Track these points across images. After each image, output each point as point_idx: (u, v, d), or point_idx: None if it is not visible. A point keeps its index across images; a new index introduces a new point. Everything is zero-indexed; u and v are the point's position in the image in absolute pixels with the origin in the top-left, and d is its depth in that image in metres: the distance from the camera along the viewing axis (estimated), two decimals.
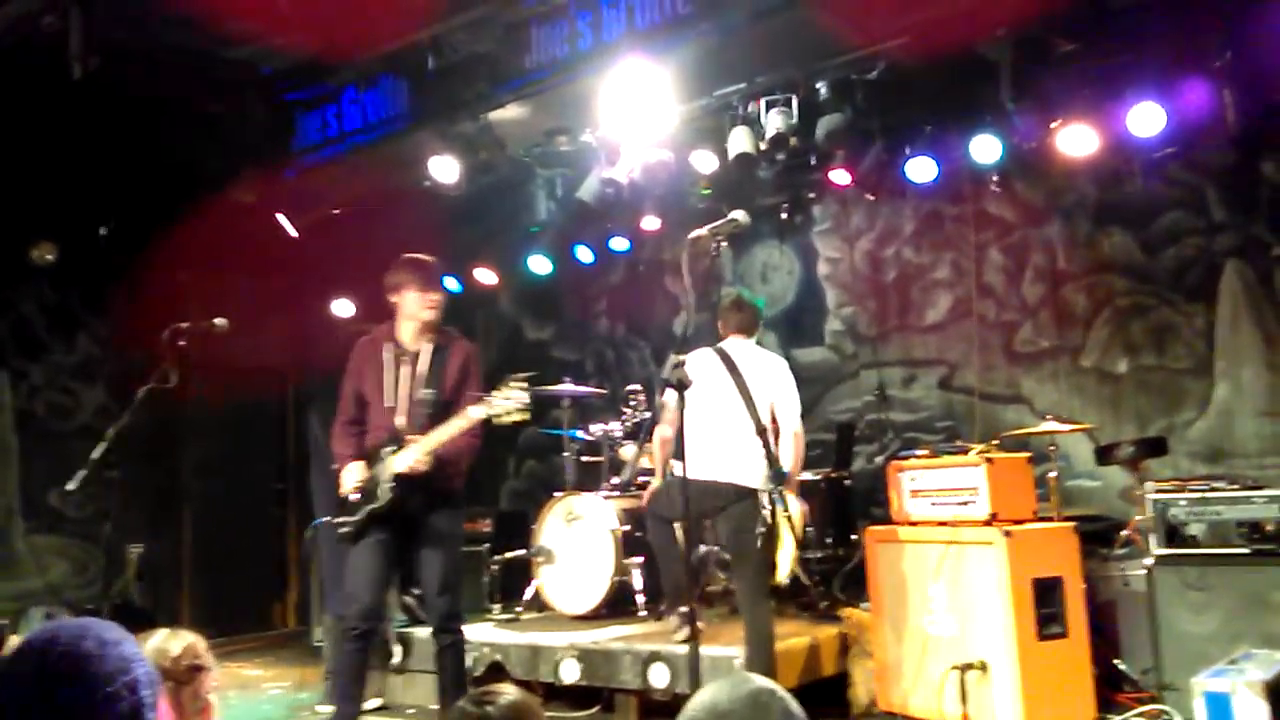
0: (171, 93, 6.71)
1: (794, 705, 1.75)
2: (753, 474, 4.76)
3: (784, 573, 5.92)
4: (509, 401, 4.16)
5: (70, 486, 4.69)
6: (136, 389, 4.79)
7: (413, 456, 4.33)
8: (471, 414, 4.25)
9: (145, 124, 6.75)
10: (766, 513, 4.70)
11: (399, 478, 4.36)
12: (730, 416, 4.77)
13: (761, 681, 1.81)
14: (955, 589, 4.82)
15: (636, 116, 6.25)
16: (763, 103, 6.51)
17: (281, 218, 7.68)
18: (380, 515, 4.41)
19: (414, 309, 4.55)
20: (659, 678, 4.94)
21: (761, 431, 4.78)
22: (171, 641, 2.44)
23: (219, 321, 4.97)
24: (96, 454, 4.67)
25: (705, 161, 7.00)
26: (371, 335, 4.67)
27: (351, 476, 4.47)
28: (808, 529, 5.81)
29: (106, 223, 7.73)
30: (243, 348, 6.03)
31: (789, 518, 5.52)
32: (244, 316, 5.61)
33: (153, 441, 7.00)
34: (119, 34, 5.93)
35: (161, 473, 8.13)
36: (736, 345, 5.02)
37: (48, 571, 7.73)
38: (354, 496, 4.45)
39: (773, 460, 4.77)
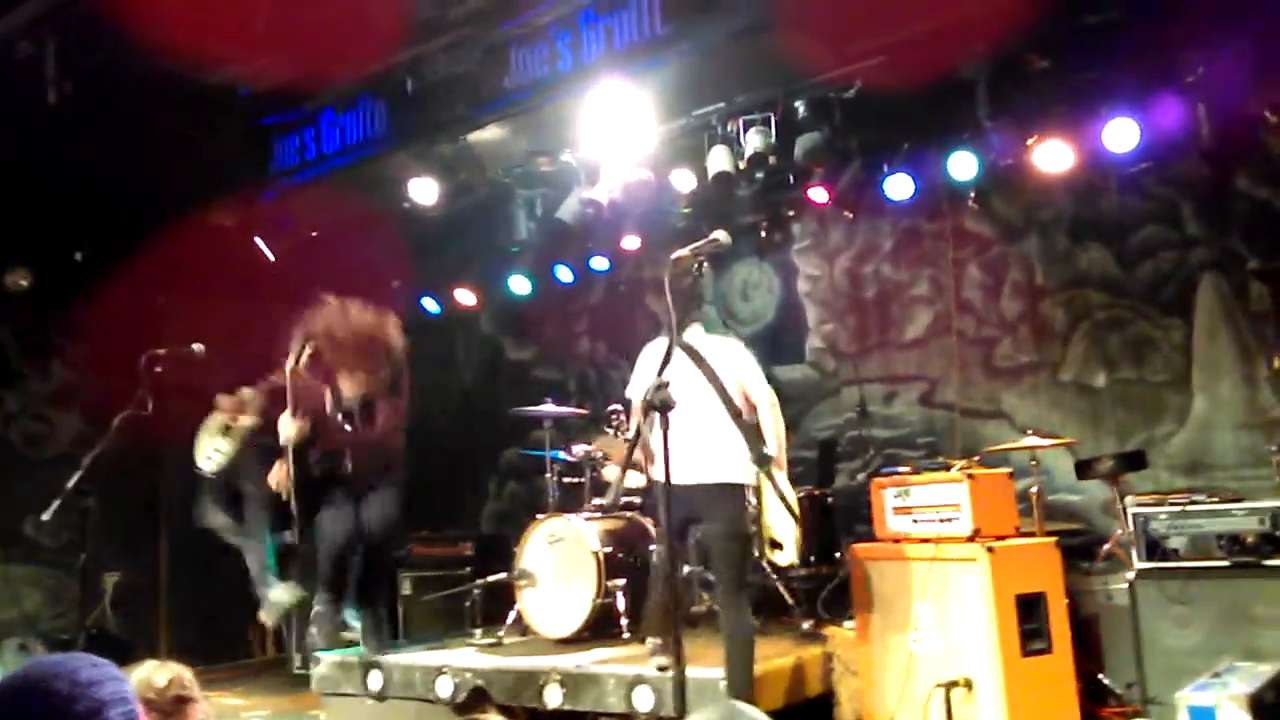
0: (147, 116, 6.66)
1: None
2: (736, 467, 4.68)
3: (791, 554, 5.88)
4: None
5: (45, 516, 4.65)
6: (113, 416, 4.76)
7: None
8: None
9: (121, 148, 6.70)
10: (754, 509, 4.66)
11: None
12: (706, 410, 4.68)
13: (746, 712, 1.80)
14: (939, 606, 4.82)
15: (616, 137, 6.27)
16: (741, 122, 6.56)
17: (259, 241, 7.63)
18: None
19: None
20: (643, 701, 4.88)
21: (737, 416, 4.71)
22: (158, 673, 2.41)
23: (196, 347, 4.96)
24: (71, 482, 4.63)
25: (684, 181, 7.02)
26: None
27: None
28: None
29: (82, 247, 7.66)
30: (220, 373, 5.98)
31: (783, 497, 5.48)
32: (221, 341, 5.57)
33: (130, 468, 6.90)
34: (94, 58, 5.90)
35: (139, 500, 8.02)
36: (694, 335, 4.88)
37: (22, 602, 7.63)
38: None
39: (753, 444, 4.71)
